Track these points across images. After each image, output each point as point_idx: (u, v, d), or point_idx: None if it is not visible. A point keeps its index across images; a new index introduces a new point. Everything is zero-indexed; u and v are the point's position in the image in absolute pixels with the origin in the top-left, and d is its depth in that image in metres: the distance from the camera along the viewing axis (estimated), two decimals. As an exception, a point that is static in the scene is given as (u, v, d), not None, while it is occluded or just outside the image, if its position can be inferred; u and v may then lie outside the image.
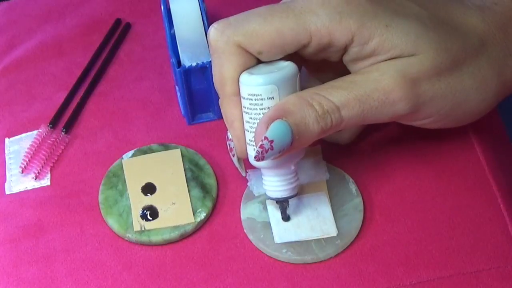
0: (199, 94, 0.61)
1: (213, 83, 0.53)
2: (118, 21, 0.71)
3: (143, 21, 0.71)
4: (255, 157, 0.49)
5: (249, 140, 0.52)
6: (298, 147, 0.50)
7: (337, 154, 0.58)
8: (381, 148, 0.59)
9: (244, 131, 0.52)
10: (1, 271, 0.56)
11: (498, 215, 0.55)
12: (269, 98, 0.50)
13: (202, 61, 0.59)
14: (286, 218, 0.55)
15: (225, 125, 0.53)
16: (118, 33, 0.70)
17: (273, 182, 0.52)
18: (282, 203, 0.54)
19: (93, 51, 0.69)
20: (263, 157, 0.48)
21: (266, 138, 0.48)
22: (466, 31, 0.52)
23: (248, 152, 0.52)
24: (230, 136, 0.53)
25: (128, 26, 0.71)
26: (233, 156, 0.54)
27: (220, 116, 0.61)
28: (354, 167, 0.58)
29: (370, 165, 0.58)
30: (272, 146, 0.48)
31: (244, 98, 0.51)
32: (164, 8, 0.63)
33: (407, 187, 0.57)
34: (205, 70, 0.59)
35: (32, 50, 0.70)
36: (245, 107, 0.51)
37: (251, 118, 0.51)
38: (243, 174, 0.56)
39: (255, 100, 0.50)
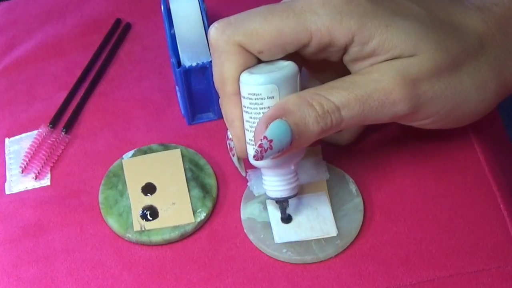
0: (199, 94, 0.61)
1: (213, 83, 0.53)
2: (118, 21, 0.71)
3: (143, 21, 0.71)
4: (254, 157, 0.49)
5: (249, 139, 0.52)
6: (298, 147, 0.50)
7: (337, 154, 0.58)
8: (381, 148, 0.59)
9: (244, 131, 0.52)
10: (1, 271, 0.56)
11: (498, 215, 0.55)
12: (269, 97, 0.50)
13: (202, 61, 0.59)
14: (286, 217, 0.55)
15: (225, 124, 0.53)
16: (118, 33, 0.70)
17: (273, 182, 0.52)
18: (282, 203, 0.54)
19: (93, 51, 0.69)
20: (262, 156, 0.48)
21: (265, 137, 0.48)
22: (466, 32, 0.52)
23: (248, 151, 0.52)
24: (230, 136, 0.53)
25: (128, 26, 0.71)
26: (233, 155, 0.54)
27: (220, 116, 0.61)
28: (354, 167, 0.58)
29: (370, 165, 0.58)
30: (271, 145, 0.48)
31: (244, 98, 0.51)
32: (164, 8, 0.63)
33: (407, 187, 0.57)
34: (205, 70, 0.59)
35: (32, 50, 0.70)
36: (245, 107, 0.51)
37: (251, 117, 0.51)
38: (243, 174, 0.56)
39: (255, 100, 0.50)
